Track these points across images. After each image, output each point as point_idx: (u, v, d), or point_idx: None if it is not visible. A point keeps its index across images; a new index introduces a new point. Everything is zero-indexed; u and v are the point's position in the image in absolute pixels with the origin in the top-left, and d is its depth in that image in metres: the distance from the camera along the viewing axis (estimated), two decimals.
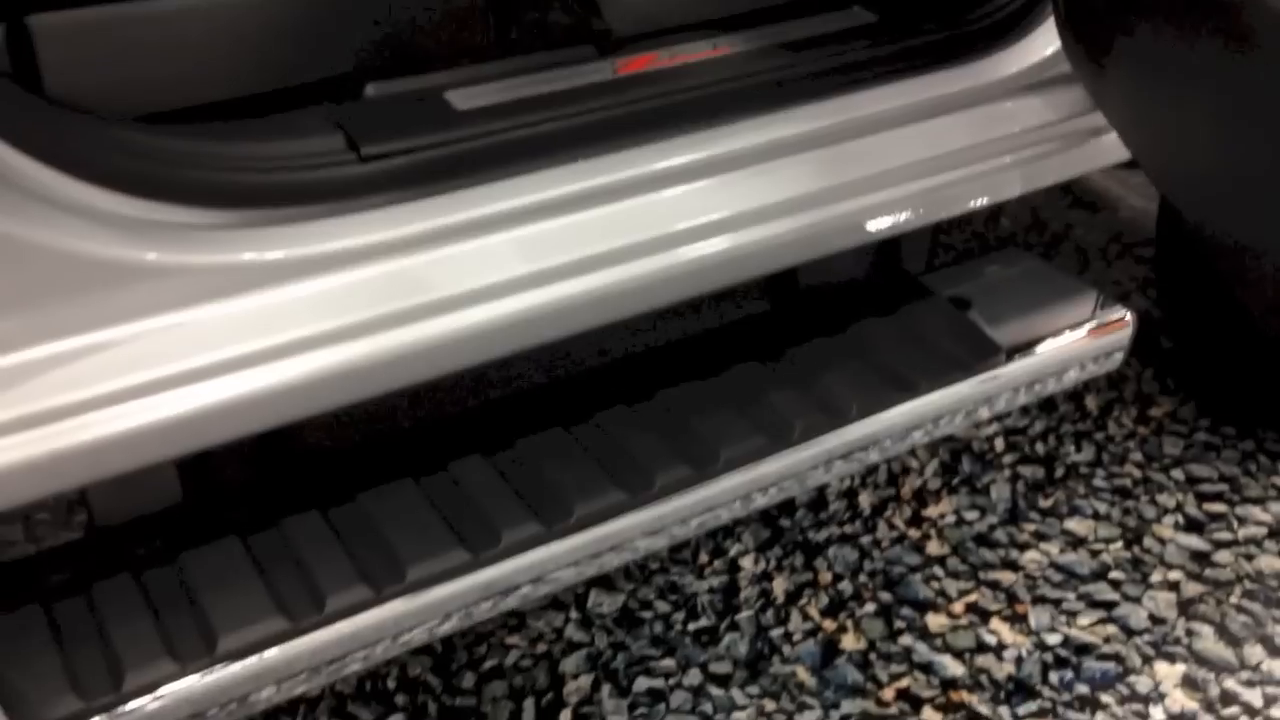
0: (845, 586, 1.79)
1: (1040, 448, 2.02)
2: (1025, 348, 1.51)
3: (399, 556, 1.16)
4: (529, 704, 1.63)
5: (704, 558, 1.84)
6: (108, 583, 1.12)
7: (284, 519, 1.18)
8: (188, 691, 1.05)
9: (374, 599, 1.13)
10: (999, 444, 2.03)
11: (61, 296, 1.00)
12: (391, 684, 1.66)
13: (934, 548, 1.85)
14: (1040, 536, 1.86)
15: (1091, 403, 2.10)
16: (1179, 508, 1.90)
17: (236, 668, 1.07)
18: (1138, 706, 1.62)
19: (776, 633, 1.72)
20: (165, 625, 1.09)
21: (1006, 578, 1.80)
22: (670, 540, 1.37)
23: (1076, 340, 1.54)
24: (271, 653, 1.08)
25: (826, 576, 1.80)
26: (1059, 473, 1.97)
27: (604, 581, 1.81)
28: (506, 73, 1.25)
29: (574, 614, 1.76)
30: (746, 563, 1.83)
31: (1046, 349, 1.53)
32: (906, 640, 1.71)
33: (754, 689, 1.65)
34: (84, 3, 1.08)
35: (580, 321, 1.23)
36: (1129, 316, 1.59)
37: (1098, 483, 1.95)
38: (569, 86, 1.24)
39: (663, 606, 1.78)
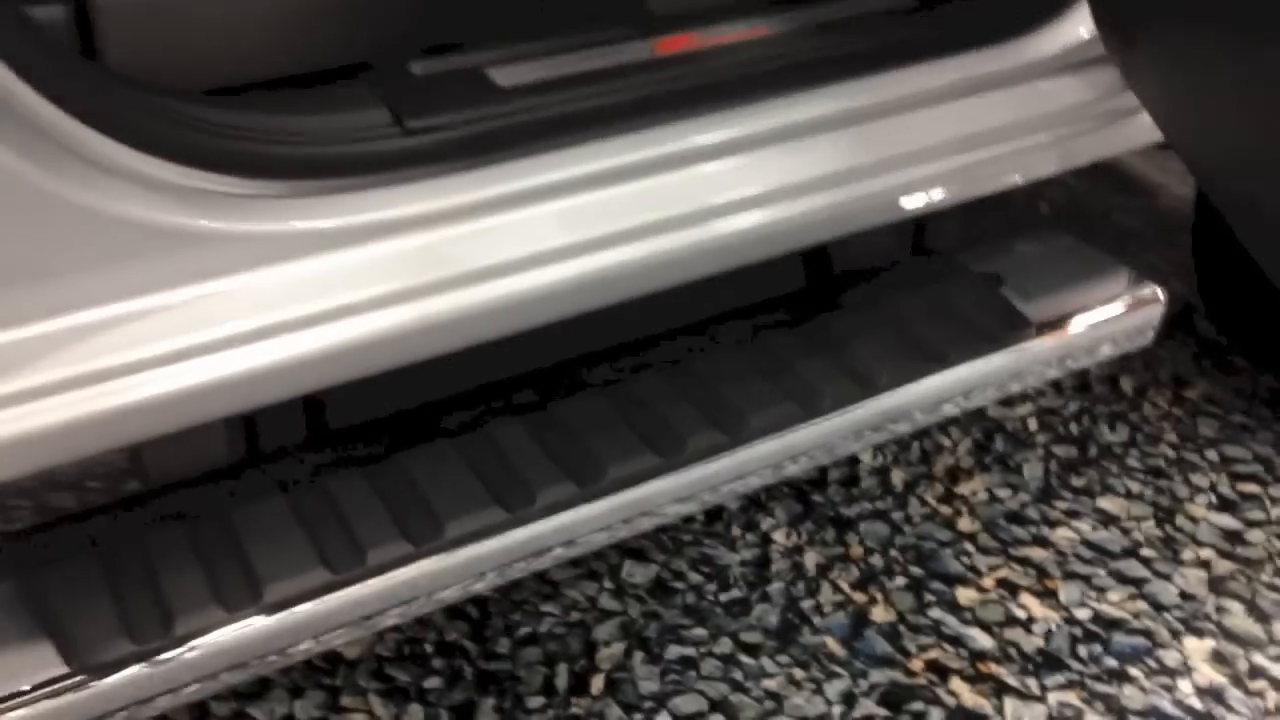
0: (876, 560, 1.83)
1: (1074, 428, 2.05)
2: (1056, 323, 1.54)
3: (438, 514, 1.22)
4: (563, 669, 1.69)
5: (736, 531, 1.89)
6: (160, 535, 1.18)
7: (327, 477, 1.24)
8: (234, 639, 1.11)
9: (413, 554, 1.19)
10: (1032, 424, 2.06)
11: (125, 261, 1.06)
12: (429, 648, 1.72)
13: (965, 524, 1.88)
14: (1072, 514, 1.90)
15: (1126, 384, 2.12)
16: (1212, 487, 1.93)
17: (280, 617, 1.13)
18: (1165, 680, 1.65)
19: (807, 604, 1.77)
20: (214, 576, 1.15)
21: (1037, 554, 1.83)
22: (700, 506, 1.42)
23: (1107, 316, 1.58)
24: (313, 604, 1.14)
25: (857, 551, 1.85)
26: (1092, 452, 2.00)
27: (637, 553, 1.86)
28: (548, 51, 1.30)
29: (608, 584, 1.81)
30: (778, 536, 1.88)
31: (1077, 324, 1.56)
32: (936, 613, 1.75)
33: (784, 658, 1.69)
34: None
35: (616, 292, 1.28)
36: (1160, 293, 1.61)
37: (1131, 462, 1.98)
38: (608, 65, 1.29)
39: (695, 577, 1.82)
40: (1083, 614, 1.74)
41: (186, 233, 1.08)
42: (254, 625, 1.13)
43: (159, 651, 1.09)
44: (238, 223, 1.10)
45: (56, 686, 1.07)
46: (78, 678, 1.07)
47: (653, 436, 1.33)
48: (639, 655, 1.70)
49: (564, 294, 1.23)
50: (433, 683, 1.67)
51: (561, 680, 1.67)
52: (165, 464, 1.24)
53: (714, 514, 1.90)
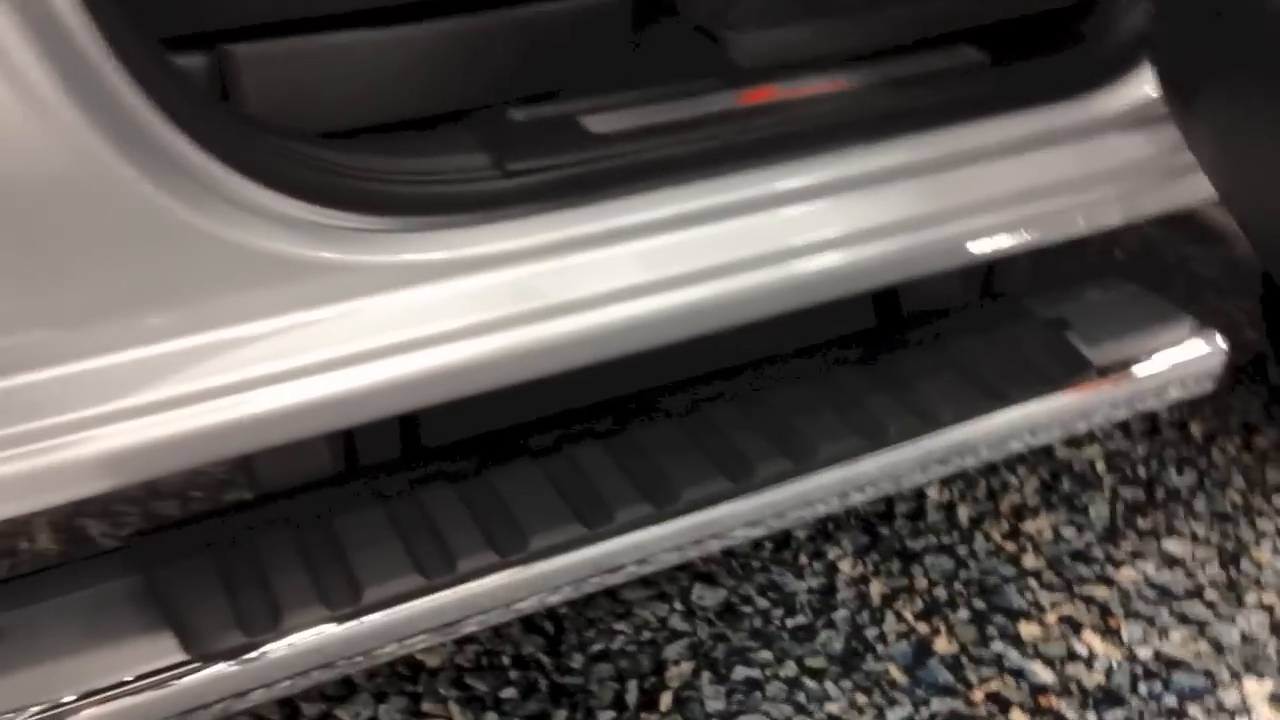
0: (940, 593, 1.90)
1: (1142, 471, 2.10)
2: (1117, 367, 1.61)
3: (523, 528, 1.32)
4: (633, 685, 1.78)
5: (803, 559, 1.97)
6: (269, 539, 1.31)
7: (421, 490, 1.36)
8: (334, 636, 1.23)
9: (500, 564, 1.30)
10: (1100, 466, 2.12)
11: (250, 287, 1.19)
12: (506, 660, 1.83)
13: (1030, 561, 1.95)
14: (1137, 555, 1.95)
15: (1195, 430, 2.17)
16: (1278, 533, 1.97)
17: (377, 618, 1.25)
18: (1224, 719, 1.70)
19: (871, 632, 1.84)
20: (318, 577, 1.27)
21: (1101, 593, 1.89)
22: (768, 531, 1.51)
23: (1169, 363, 1.64)
24: (407, 607, 1.26)
25: (922, 583, 1.92)
26: (1159, 495, 2.05)
27: (707, 577, 1.95)
28: (638, 101, 1.41)
29: (678, 606, 1.91)
30: (845, 566, 1.96)
31: (1138, 370, 1.63)
32: (998, 646, 1.82)
33: (847, 683, 1.77)
34: (273, 35, 1.27)
35: (696, 326, 1.38)
36: (1222, 342, 1.68)
37: (1197, 507, 2.03)
38: (694, 114, 1.40)
39: (762, 603, 1.91)
40: (1144, 652, 1.80)
41: (306, 263, 1.21)
42: (354, 626, 1.24)
43: (267, 644, 1.21)
44: (352, 254, 1.22)
45: (176, 672, 1.19)
46: (194, 664, 1.19)
47: (725, 462, 1.43)
48: (706, 675, 1.79)
49: (647, 327, 1.34)
50: (509, 693, 1.77)
51: (631, 696, 1.76)
52: (274, 473, 1.37)
53: (782, 542, 1.99)
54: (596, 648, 1.84)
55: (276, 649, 1.21)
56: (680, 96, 1.43)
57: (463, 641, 1.84)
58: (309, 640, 1.22)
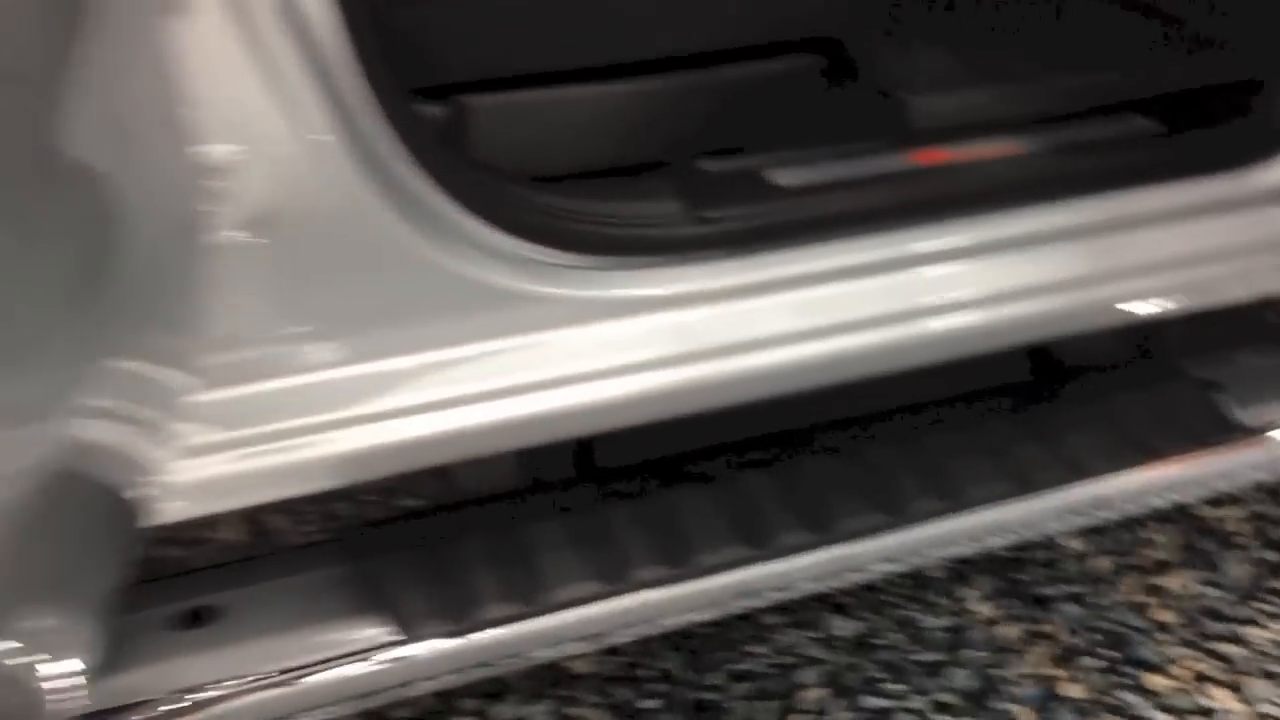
0: (1071, 640, 1.98)
1: None
2: (1266, 430, 1.69)
3: (692, 545, 1.46)
4: (768, 705, 1.89)
5: (938, 598, 2.07)
6: (469, 541, 1.46)
7: (598, 505, 1.50)
8: (525, 631, 1.38)
9: (670, 577, 1.44)
10: (1242, 526, 2.17)
11: (471, 314, 1.34)
12: (650, 673, 1.95)
13: (1163, 615, 2.01)
14: (1273, 617, 2.00)
15: None
16: None
17: (559, 617, 1.39)
18: None
19: (1000, 673, 1.93)
20: (506, 577, 1.42)
21: (1232, 650, 1.95)
22: (906, 567, 1.61)
23: None
24: (587, 609, 1.40)
25: (1054, 629, 2.00)
26: None
27: (844, 608, 2.06)
28: (819, 157, 1.54)
29: (815, 634, 2.01)
30: (978, 607, 2.05)
31: None
32: (1127, 696, 1.89)
33: None
34: (501, 89, 1.43)
35: (862, 370, 1.50)
36: None
37: None
38: (873, 172, 1.52)
39: (895, 637, 2.01)
40: (1271, 710, 1.85)
41: (518, 294, 1.36)
42: (538, 622, 1.39)
43: (464, 633, 1.36)
44: (558, 288, 1.37)
45: (384, 652, 1.35)
46: (402, 645, 1.35)
47: (879, 498, 1.54)
48: (839, 702, 1.90)
49: (815, 369, 1.47)
50: (649, 704, 1.90)
51: (766, 716, 1.88)
52: (468, 482, 1.52)
53: (917, 580, 2.09)
54: (735, 668, 1.96)
55: (478, 638, 1.36)
56: (860, 154, 1.55)
57: (609, 652, 1.98)
58: (499, 633, 1.37)
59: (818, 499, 1.53)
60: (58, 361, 1.10)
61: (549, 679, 1.92)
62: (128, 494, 1.14)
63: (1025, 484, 1.58)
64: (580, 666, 1.96)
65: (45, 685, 1.11)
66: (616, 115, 1.50)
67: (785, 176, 1.51)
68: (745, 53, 1.55)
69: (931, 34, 1.70)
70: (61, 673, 1.12)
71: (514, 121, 1.45)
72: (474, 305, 1.34)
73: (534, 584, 1.40)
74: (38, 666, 1.12)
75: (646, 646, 1.98)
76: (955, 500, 1.54)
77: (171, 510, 1.20)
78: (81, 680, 1.13)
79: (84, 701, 1.14)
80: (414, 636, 1.34)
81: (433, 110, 1.39)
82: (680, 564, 1.44)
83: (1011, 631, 2.00)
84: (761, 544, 1.46)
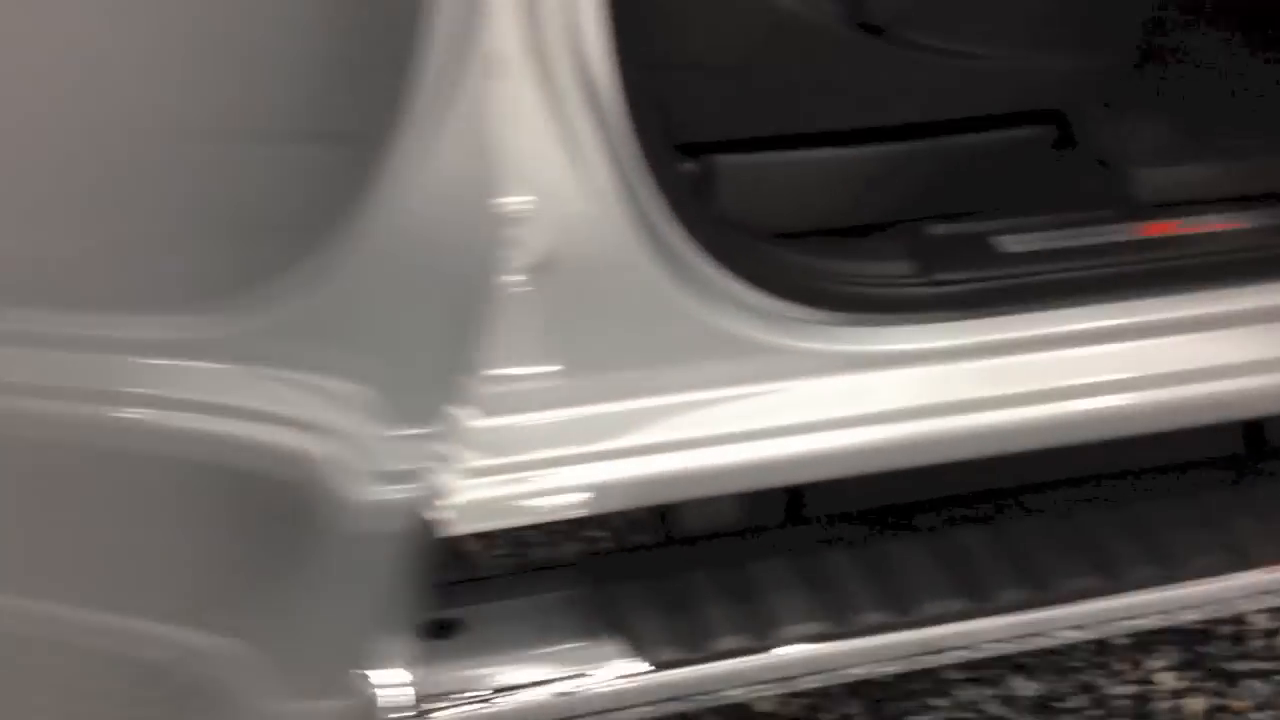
0: (1257, 716, 1.98)
1: None
2: None
3: (915, 595, 1.53)
4: None
5: (1122, 665, 2.09)
6: (690, 576, 1.56)
7: (818, 549, 1.59)
8: (755, 665, 1.47)
9: (892, 623, 1.51)
10: None
11: (714, 361, 1.45)
12: (830, 718, 2.02)
13: None
14: None
15: None
16: None
17: (782, 652, 1.48)
18: None
19: None
20: (733, 613, 1.51)
21: None
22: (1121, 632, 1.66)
23: None
24: (809, 648, 1.49)
25: (1239, 704, 2.01)
26: None
27: (1025, 669, 2.09)
28: (1045, 225, 1.62)
29: (996, 691, 2.06)
30: (1163, 678, 2.07)
31: None
32: None
33: None
34: (746, 150, 1.55)
35: (1081, 435, 1.57)
36: None
37: None
38: (1098, 241, 1.59)
39: (1076, 701, 2.04)
40: None
41: (759, 344, 1.46)
42: (766, 657, 1.49)
43: (695, 662, 1.46)
44: (798, 340, 1.47)
45: (624, 675, 1.46)
46: (642, 669, 1.46)
47: (1097, 561, 1.60)
48: None
49: (1043, 430, 1.54)
50: None
51: None
52: (691, 520, 1.62)
53: (1101, 646, 2.12)
54: (915, 719, 2.01)
55: (708, 667, 1.46)
56: (1084, 223, 1.63)
57: (792, 695, 2.05)
58: (729, 664, 1.47)
59: (1032, 558, 1.60)
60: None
61: (735, 716, 2.00)
62: (428, 515, 1.26)
63: (1241, 558, 1.62)
64: (764, 706, 2.03)
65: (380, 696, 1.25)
66: (852, 178, 1.60)
67: (1011, 243, 1.59)
68: (971, 123, 1.64)
69: (1153, 104, 1.77)
70: (394, 682, 1.26)
71: (757, 181, 1.56)
72: (720, 353, 1.45)
73: (764, 620, 1.49)
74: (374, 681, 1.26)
75: (828, 691, 2.05)
76: (1173, 569, 1.59)
77: (450, 529, 1.33)
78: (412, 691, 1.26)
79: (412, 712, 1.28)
80: (651, 662, 1.44)
81: (688, 167, 1.51)
82: (903, 612, 1.51)
83: (1197, 704, 2.01)
84: (983, 598, 1.53)
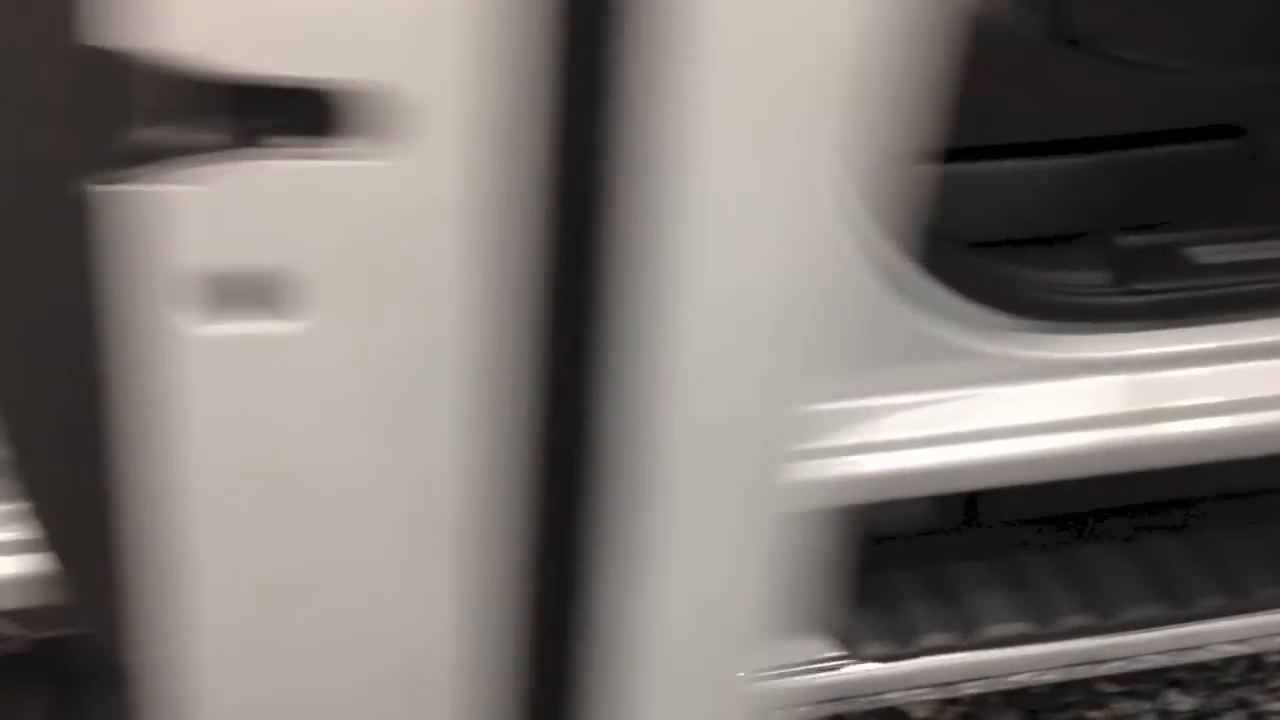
0: None
1: None
2: None
3: (1112, 600, 1.58)
4: None
5: (1277, 684, 2.11)
6: (888, 574, 1.62)
7: (1019, 554, 1.64)
8: (952, 663, 1.52)
9: (1085, 628, 1.56)
10: None
11: (921, 365, 1.50)
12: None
13: None
14: None
15: None
16: None
17: (984, 654, 1.53)
18: None
19: None
20: (934, 611, 1.56)
21: None
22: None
23: None
24: (1011, 650, 1.53)
25: None
26: None
27: (1181, 683, 2.12)
28: (1235, 237, 1.66)
29: (1152, 705, 2.08)
30: None
31: None
32: None
33: None
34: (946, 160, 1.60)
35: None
36: None
37: None
38: None
39: (1234, 716, 2.06)
40: None
41: (962, 350, 1.52)
42: (970, 656, 1.54)
43: (905, 657, 1.52)
44: (1002, 347, 1.52)
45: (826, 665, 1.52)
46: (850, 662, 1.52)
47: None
48: None
49: (1237, 440, 1.58)
50: None
51: None
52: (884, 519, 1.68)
53: (1253, 663, 2.14)
54: None
55: (915, 663, 1.52)
56: (1274, 236, 1.66)
57: (949, 701, 2.08)
58: (931, 660, 1.53)
59: (1228, 565, 1.63)
60: None
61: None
62: None
63: None
64: (919, 713, 2.07)
65: None
66: (1045, 188, 1.65)
67: (1206, 254, 1.63)
68: (1159, 135, 1.68)
69: None
70: None
71: (957, 190, 1.61)
72: (925, 358, 1.50)
73: (968, 620, 1.54)
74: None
75: (984, 699, 2.08)
76: None
77: None
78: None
79: None
80: (857, 656, 1.50)
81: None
82: (1105, 616, 1.56)
83: None
84: (1184, 606, 1.57)
